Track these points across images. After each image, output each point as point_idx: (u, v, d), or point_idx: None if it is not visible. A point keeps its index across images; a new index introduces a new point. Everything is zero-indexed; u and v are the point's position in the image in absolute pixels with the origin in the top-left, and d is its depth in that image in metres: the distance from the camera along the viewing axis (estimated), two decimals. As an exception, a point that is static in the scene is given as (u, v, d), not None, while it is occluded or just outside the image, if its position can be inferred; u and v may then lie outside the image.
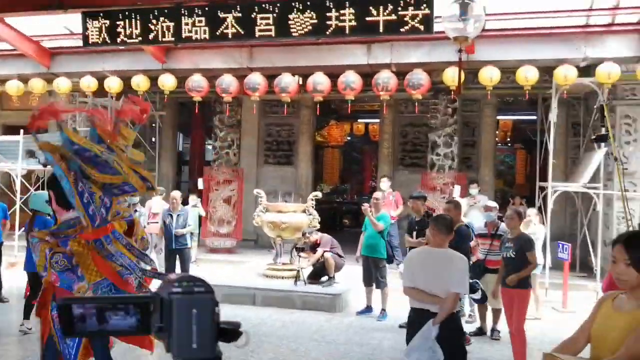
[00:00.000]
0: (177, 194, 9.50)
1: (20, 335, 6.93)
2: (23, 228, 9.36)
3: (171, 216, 9.26)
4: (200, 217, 11.98)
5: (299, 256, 9.22)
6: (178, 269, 9.35)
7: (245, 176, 13.75)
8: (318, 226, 9.75)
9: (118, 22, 8.92)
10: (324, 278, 9.36)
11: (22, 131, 12.63)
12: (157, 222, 10.49)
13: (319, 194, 9.91)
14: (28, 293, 7.10)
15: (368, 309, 8.64)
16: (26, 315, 7.03)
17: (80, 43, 9.69)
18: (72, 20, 10.38)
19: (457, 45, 6.67)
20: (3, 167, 12.58)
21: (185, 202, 11.21)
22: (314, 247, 9.54)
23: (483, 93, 11.29)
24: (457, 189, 11.12)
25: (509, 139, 19.90)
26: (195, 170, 16.18)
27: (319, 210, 10.29)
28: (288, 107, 12.48)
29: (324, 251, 9.25)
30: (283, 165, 14.62)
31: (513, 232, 6.44)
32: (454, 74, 9.31)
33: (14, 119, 14.60)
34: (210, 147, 15.97)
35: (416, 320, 4.45)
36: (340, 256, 9.49)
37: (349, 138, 21.68)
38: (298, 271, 9.13)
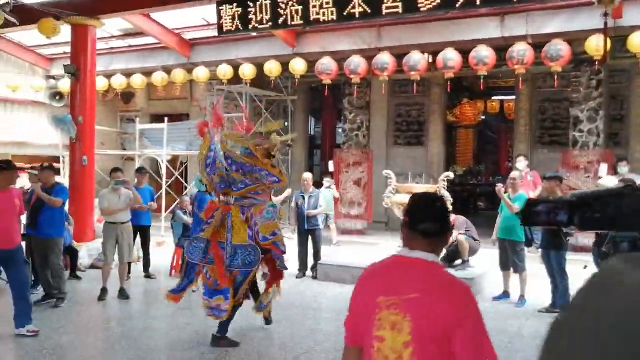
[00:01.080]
0: (309, 176, 9.69)
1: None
2: (170, 210, 10.10)
3: (303, 197, 9.47)
4: (334, 199, 12.16)
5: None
6: (311, 249, 9.59)
7: (375, 158, 13.71)
8: (450, 208, 9.47)
9: (249, 9, 9.21)
10: (458, 262, 9.11)
11: (166, 119, 13.58)
12: None
13: (451, 175, 9.62)
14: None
15: (505, 295, 8.27)
16: None
17: (216, 33, 10.15)
18: (209, 11, 10.92)
19: (601, 10, 6.09)
20: (150, 153, 13.59)
21: (319, 184, 11.44)
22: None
23: (633, 62, 10.29)
24: (603, 168, 10.27)
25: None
26: (327, 153, 16.44)
27: (453, 192, 10.04)
28: (418, 86, 12.23)
29: (459, 234, 8.98)
30: (413, 146, 14.39)
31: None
32: (598, 43, 8.57)
33: (159, 108, 15.75)
34: (340, 130, 16.14)
35: None
36: (475, 239, 9.17)
37: (483, 117, 20.84)
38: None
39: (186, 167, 14.66)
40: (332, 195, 11.99)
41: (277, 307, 6.73)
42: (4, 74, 14.11)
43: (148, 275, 9.40)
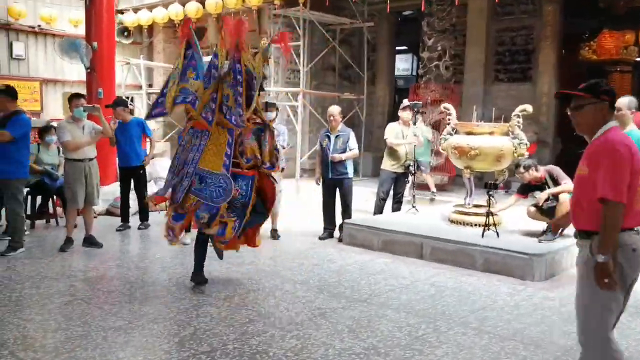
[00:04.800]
0: (335, 110, 7.45)
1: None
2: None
3: (328, 137, 7.33)
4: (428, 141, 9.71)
5: (490, 196, 6.49)
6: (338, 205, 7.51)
7: (468, 96, 11.04)
8: (526, 154, 6.83)
9: None
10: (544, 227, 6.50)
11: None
12: None
13: (529, 108, 6.84)
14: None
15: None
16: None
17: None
18: None
19: None
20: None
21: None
22: (527, 187, 6.67)
23: None
24: None
25: None
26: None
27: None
28: (526, 3, 9.29)
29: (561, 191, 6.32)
30: (517, 83, 11.39)
31: None
32: None
33: (230, 43, 14.10)
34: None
35: None
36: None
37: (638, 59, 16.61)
38: (488, 216, 6.42)
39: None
40: (426, 138, 9.57)
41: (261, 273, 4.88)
42: (63, 7, 13.31)
43: (143, 226, 7.96)
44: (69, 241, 6.72)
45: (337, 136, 7.31)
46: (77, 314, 4.54)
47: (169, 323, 4.39)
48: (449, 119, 7.33)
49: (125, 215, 8.02)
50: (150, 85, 14.88)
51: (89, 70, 9.21)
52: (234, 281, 5.57)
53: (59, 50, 9.16)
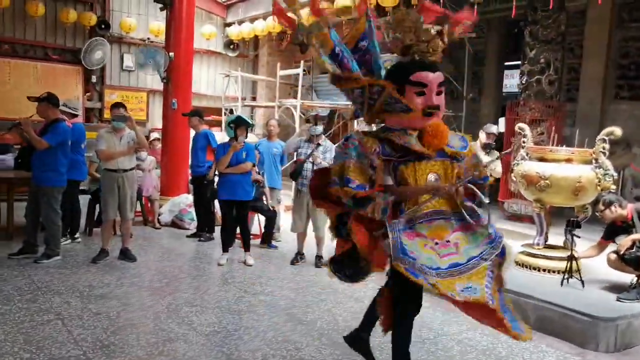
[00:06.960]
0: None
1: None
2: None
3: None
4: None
5: (571, 235, 5.29)
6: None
7: (583, 116, 9.56)
8: (612, 187, 5.52)
9: None
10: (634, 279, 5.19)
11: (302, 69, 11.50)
12: None
13: (617, 130, 5.50)
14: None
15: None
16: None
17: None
18: None
19: None
20: (287, 103, 11.63)
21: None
22: (614, 229, 5.41)
23: None
24: None
25: None
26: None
27: None
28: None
29: None
30: (643, 101, 9.63)
31: None
32: None
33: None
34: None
35: None
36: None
37: None
38: (571, 260, 5.24)
39: (345, 124, 12.45)
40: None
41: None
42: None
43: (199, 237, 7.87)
44: (102, 252, 6.61)
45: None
46: (40, 336, 4.22)
47: (120, 359, 3.90)
48: (524, 142, 6.18)
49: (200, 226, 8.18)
50: (253, 99, 14.91)
51: (164, 81, 9.19)
52: (232, 313, 4.99)
53: (136, 60, 9.25)
